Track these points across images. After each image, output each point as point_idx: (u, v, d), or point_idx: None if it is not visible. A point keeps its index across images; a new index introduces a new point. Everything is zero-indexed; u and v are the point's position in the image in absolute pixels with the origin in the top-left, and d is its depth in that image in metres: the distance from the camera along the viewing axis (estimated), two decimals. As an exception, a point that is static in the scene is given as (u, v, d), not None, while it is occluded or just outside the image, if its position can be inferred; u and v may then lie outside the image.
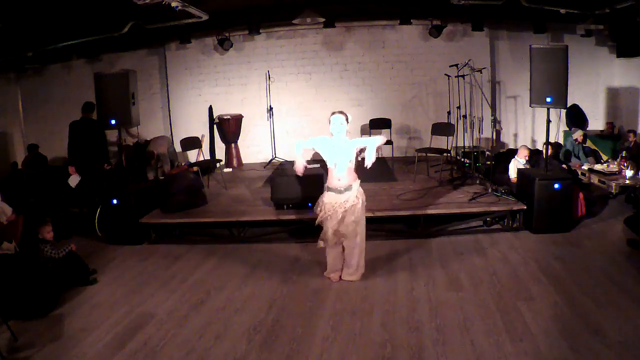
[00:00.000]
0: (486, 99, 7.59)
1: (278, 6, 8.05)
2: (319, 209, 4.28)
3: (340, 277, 4.41)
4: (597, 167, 7.16)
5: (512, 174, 6.29)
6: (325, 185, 4.29)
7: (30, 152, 8.49)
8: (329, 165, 4.21)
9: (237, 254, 5.23)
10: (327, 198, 4.22)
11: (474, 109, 7.32)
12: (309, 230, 5.18)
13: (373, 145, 4.12)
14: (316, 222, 4.32)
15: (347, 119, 4.18)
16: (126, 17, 7.14)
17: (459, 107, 7.65)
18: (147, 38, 8.57)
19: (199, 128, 9.06)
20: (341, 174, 4.15)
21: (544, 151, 6.12)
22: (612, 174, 6.75)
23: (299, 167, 4.26)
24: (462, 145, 7.76)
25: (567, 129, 8.61)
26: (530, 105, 5.68)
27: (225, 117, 8.89)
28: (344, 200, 4.16)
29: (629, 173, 6.49)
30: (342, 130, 4.15)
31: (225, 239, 5.66)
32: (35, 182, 7.48)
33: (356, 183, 4.23)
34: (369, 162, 4.10)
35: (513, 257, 4.82)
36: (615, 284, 4.08)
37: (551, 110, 5.59)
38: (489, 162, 7.48)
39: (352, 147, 4.16)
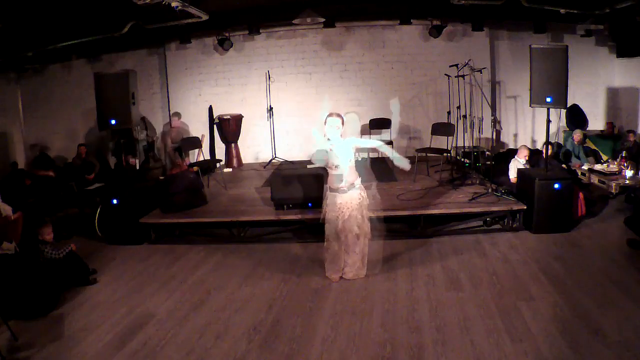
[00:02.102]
0: (486, 99, 7.57)
1: (278, 6, 8.05)
2: (324, 211, 4.30)
3: (341, 277, 4.41)
4: (597, 167, 7.16)
5: (512, 174, 6.29)
6: (326, 186, 4.30)
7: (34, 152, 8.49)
8: (329, 168, 4.21)
9: (237, 254, 5.23)
10: (331, 199, 4.23)
11: (474, 109, 7.31)
12: (309, 230, 5.19)
13: (384, 148, 4.19)
14: (321, 218, 4.35)
15: (342, 122, 4.18)
16: (126, 17, 7.14)
17: (459, 107, 7.65)
18: (147, 38, 8.56)
19: (199, 128, 9.07)
20: (343, 174, 4.16)
21: (544, 151, 6.12)
22: (612, 174, 6.75)
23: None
24: (462, 145, 7.77)
25: (567, 129, 8.61)
26: (530, 105, 5.68)
27: (225, 117, 8.89)
28: (348, 199, 4.17)
29: (629, 173, 6.50)
30: (338, 133, 4.16)
31: (226, 239, 5.66)
32: (45, 183, 7.45)
33: (358, 181, 4.25)
34: (403, 163, 4.14)
35: (513, 257, 4.81)
36: (615, 284, 4.07)
37: (551, 110, 5.59)
38: (489, 162, 7.47)
39: (350, 147, 4.18)
